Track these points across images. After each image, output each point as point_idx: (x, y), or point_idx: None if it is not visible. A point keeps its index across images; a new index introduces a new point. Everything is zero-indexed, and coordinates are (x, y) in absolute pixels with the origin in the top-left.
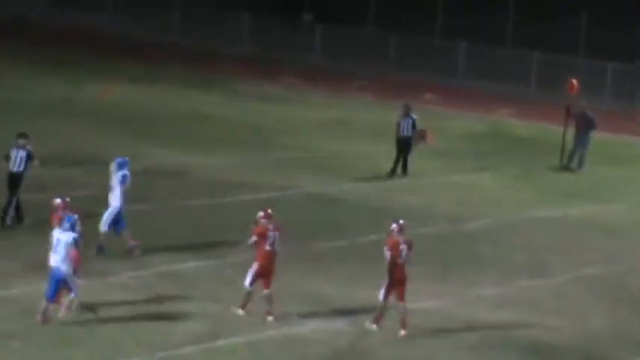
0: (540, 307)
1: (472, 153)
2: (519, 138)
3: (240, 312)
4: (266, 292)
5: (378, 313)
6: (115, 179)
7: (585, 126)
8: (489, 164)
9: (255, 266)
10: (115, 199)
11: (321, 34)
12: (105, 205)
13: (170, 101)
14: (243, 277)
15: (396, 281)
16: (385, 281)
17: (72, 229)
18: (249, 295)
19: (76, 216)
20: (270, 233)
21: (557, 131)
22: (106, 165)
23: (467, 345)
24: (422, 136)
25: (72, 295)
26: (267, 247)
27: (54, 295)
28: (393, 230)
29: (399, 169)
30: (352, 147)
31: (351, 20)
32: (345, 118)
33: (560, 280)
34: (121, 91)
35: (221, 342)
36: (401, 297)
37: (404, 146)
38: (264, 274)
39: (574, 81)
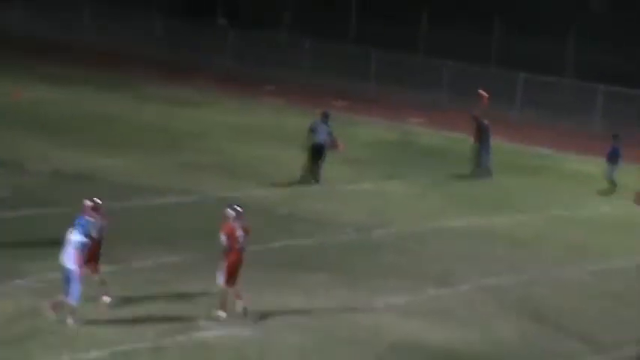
0: (448, 316)
1: (382, 161)
2: (429, 147)
3: (106, 299)
4: (97, 276)
5: (222, 300)
6: None
7: (486, 133)
8: (399, 173)
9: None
10: None
11: (234, 38)
12: (11, 205)
13: (79, 102)
14: (150, 281)
15: (233, 266)
16: (222, 267)
17: (84, 232)
18: (102, 283)
19: (92, 220)
20: (97, 222)
21: (467, 140)
22: (15, 165)
23: (374, 354)
24: (333, 143)
25: (72, 299)
26: (94, 235)
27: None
28: (229, 217)
29: (309, 176)
30: (262, 152)
31: (265, 25)
32: (256, 123)
33: (466, 289)
34: (30, 92)
35: (127, 346)
36: (233, 282)
37: (317, 153)
38: (91, 260)
39: (483, 92)
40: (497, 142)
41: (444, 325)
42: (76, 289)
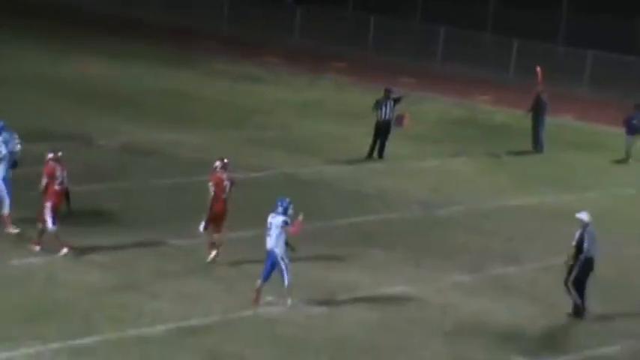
0: (514, 294)
1: (448, 138)
2: (496, 124)
3: (37, 248)
4: (54, 227)
5: (207, 244)
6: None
7: (542, 109)
8: (465, 150)
9: (49, 205)
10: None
11: (301, 15)
12: (87, 179)
13: (148, 78)
14: (220, 256)
15: (216, 214)
16: (206, 214)
17: (284, 212)
18: (56, 236)
19: (289, 200)
20: (59, 173)
21: (530, 117)
22: (85, 140)
23: (441, 331)
24: (399, 120)
25: (285, 283)
26: (57, 187)
27: (268, 277)
28: (216, 167)
29: (374, 153)
30: (328, 128)
31: (332, 2)
32: (322, 100)
33: (533, 267)
34: (99, 67)
35: (194, 321)
36: (218, 229)
37: (382, 130)
38: (55, 211)
39: (539, 69)
40: (565, 120)
41: (510, 303)
42: (285, 269)
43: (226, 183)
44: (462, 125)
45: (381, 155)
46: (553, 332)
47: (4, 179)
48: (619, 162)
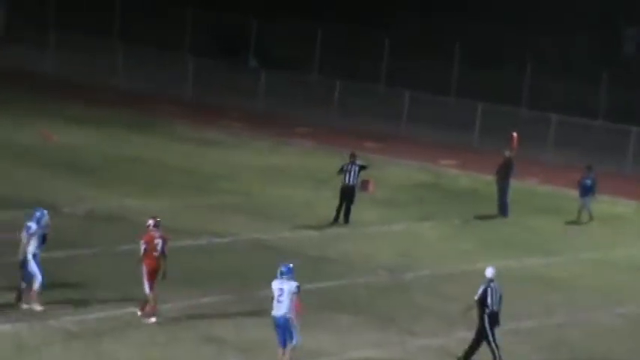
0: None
1: (413, 203)
2: (461, 188)
3: None
4: None
5: (150, 306)
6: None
7: (510, 173)
8: (430, 214)
9: None
10: None
11: (265, 79)
12: (52, 246)
13: (111, 144)
14: (183, 323)
15: (150, 271)
16: (143, 274)
17: (292, 277)
18: None
19: (292, 265)
20: None
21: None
22: (50, 207)
23: None
24: (364, 185)
25: (293, 341)
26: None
27: (285, 342)
28: (149, 225)
29: (340, 218)
30: (292, 193)
31: (296, 66)
32: (286, 165)
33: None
34: (63, 135)
35: None
36: (151, 286)
37: (348, 195)
38: None
39: (515, 134)
40: (530, 183)
41: None
42: (296, 332)
43: (158, 241)
44: (427, 189)
45: (347, 220)
46: None
47: (35, 256)
48: (575, 224)
